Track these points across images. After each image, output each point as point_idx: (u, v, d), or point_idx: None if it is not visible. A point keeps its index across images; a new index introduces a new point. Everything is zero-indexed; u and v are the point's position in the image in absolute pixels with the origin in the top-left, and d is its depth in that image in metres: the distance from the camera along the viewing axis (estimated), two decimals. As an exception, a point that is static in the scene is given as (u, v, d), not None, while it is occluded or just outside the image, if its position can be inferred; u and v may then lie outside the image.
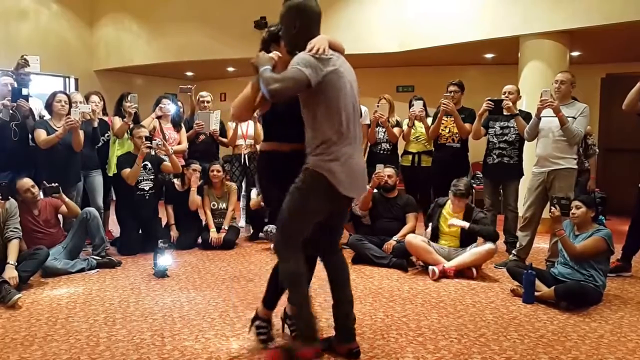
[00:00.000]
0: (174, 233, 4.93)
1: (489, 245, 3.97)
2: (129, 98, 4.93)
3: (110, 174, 4.94)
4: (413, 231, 4.52)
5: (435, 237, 4.19)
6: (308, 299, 2.39)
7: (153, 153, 4.76)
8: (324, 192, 2.32)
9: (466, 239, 4.10)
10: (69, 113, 4.35)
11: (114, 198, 5.20)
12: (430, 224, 4.38)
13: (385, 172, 4.53)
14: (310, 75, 2.23)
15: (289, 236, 2.37)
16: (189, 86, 5.45)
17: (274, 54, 2.40)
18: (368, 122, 5.11)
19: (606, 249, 3.35)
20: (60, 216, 4.32)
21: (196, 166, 4.94)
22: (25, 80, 4.51)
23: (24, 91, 4.26)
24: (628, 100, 3.98)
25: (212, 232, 4.91)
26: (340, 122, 2.33)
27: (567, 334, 2.85)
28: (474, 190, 6.54)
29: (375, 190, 4.64)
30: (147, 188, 4.78)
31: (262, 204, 4.94)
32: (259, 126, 5.33)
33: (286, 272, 2.39)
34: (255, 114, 5.17)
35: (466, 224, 4.00)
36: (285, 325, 2.77)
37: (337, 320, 2.56)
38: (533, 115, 4.09)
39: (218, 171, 5.01)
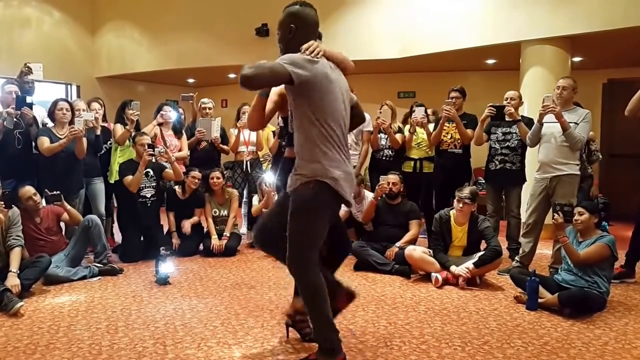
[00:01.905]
0: (175, 240, 4.93)
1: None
2: (131, 105, 4.94)
3: (112, 181, 4.94)
4: (416, 238, 4.51)
5: (444, 251, 4.12)
6: (328, 312, 2.32)
7: (154, 160, 4.76)
8: (327, 200, 2.30)
9: (470, 248, 4.08)
10: (71, 121, 4.36)
11: (116, 205, 5.20)
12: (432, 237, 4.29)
13: (390, 179, 4.52)
14: (293, 72, 2.18)
15: (304, 253, 2.31)
16: (191, 94, 5.47)
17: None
18: (370, 129, 5.11)
19: (610, 256, 3.34)
20: (62, 224, 4.32)
21: (195, 173, 4.95)
22: (30, 88, 4.52)
23: (28, 99, 4.27)
24: (630, 105, 3.97)
25: (214, 239, 4.90)
26: (329, 126, 2.28)
27: (571, 341, 2.84)
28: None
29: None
30: (148, 195, 4.78)
31: (263, 210, 4.95)
32: (261, 133, 5.34)
33: (304, 287, 2.33)
34: (239, 123, 5.21)
35: (471, 266, 3.86)
36: (290, 330, 2.76)
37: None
38: (535, 121, 4.09)
39: (218, 178, 5.01)
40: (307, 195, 2.28)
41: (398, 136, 5.09)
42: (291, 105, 2.38)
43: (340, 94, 2.36)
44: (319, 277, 2.32)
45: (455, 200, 4.05)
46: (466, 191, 4.02)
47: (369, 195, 4.73)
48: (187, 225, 4.88)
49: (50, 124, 4.54)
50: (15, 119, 4.20)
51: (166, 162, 4.81)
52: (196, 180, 4.92)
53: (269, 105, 2.54)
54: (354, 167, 5.02)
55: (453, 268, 3.90)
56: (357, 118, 2.64)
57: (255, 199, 5.23)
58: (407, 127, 5.14)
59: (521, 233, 4.29)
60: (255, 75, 2.15)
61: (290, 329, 2.78)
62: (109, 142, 5.01)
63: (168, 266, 3.97)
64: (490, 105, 4.34)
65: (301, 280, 2.36)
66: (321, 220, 2.33)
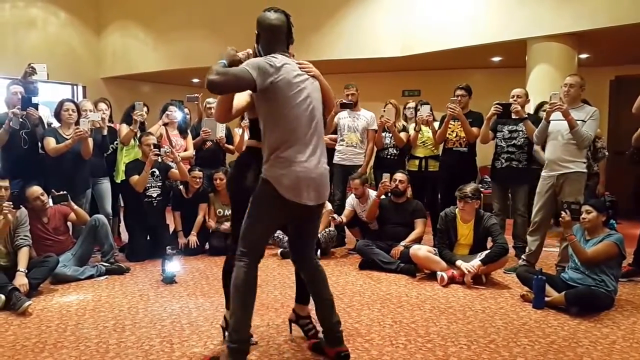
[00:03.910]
0: (181, 240, 4.94)
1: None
2: (135, 105, 4.95)
3: (118, 181, 4.96)
4: (421, 237, 4.51)
5: (450, 249, 4.12)
6: (247, 310, 2.34)
7: (160, 160, 4.77)
8: (272, 199, 2.31)
9: (476, 246, 4.07)
10: (77, 121, 4.38)
11: (122, 205, 5.22)
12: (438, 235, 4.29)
13: (397, 176, 4.52)
14: (257, 78, 2.23)
15: (248, 241, 2.37)
16: (196, 95, 5.47)
17: (232, 49, 2.42)
18: (375, 127, 5.11)
19: (618, 254, 3.32)
20: (69, 223, 4.34)
21: (196, 173, 4.96)
22: (35, 89, 4.54)
23: (34, 99, 4.30)
24: (638, 103, 3.95)
25: (210, 222, 5.02)
26: (289, 130, 2.31)
27: (578, 340, 2.82)
28: (482, 195, 6.49)
29: (383, 196, 4.63)
30: (154, 195, 4.79)
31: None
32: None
33: (235, 275, 2.36)
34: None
35: (478, 263, 3.84)
36: (295, 327, 2.80)
37: (322, 324, 2.56)
38: (542, 119, 4.07)
39: (221, 179, 5.03)
40: (259, 190, 2.35)
41: (402, 134, 5.09)
42: (257, 111, 2.40)
43: (306, 99, 2.36)
44: (244, 272, 2.32)
45: (457, 199, 4.04)
46: (467, 189, 4.02)
47: (372, 194, 4.73)
48: (192, 239, 4.91)
49: (56, 124, 4.56)
50: (21, 120, 4.22)
51: (172, 161, 4.83)
52: (198, 180, 4.94)
53: (242, 101, 2.50)
54: (359, 166, 5.04)
55: (459, 262, 3.89)
56: None
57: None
58: (412, 125, 5.14)
59: (528, 231, 4.27)
60: (222, 81, 2.21)
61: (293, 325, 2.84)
62: (115, 143, 5.03)
63: (174, 265, 3.98)
64: (497, 103, 4.32)
65: (235, 263, 2.38)
66: (266, 216, 2.36)
